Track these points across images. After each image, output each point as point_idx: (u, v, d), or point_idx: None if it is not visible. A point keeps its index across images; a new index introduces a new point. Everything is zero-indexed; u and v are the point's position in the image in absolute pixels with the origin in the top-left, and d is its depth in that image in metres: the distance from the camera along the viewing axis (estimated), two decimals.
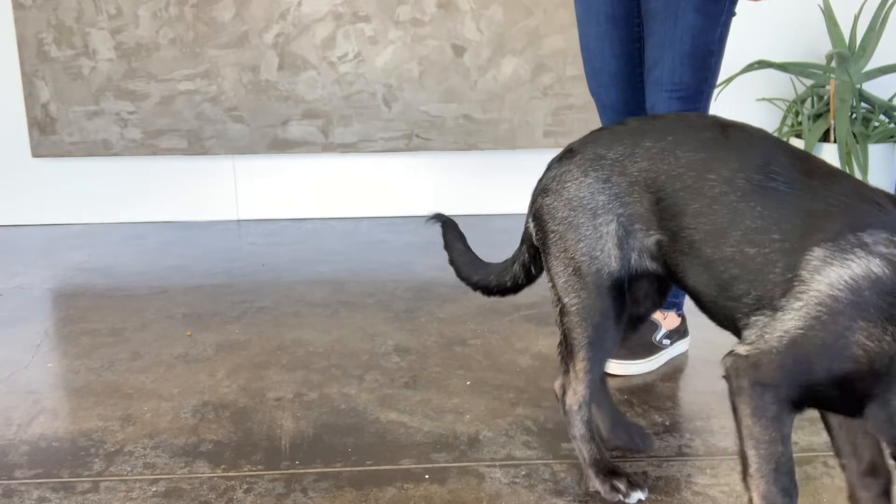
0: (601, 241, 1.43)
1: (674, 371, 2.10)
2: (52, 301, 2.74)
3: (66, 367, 2.16)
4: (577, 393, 1.53)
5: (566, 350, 1.53)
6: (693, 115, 1.62)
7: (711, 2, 1.94)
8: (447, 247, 1.77)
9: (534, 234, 1.56)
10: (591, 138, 1.52)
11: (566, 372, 1.54)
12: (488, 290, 1.72)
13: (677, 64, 1.96)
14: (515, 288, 1.69)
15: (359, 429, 1.80)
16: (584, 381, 1.51)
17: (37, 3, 3.41)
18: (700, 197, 1.30)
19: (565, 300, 1.49)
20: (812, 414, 1.82)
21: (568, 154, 1.52)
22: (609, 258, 1.43)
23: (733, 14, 2.02)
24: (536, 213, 1.54)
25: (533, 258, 1.63)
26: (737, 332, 1.31)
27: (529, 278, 1.67)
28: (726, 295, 1.28)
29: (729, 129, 1.36)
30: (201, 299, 2.66)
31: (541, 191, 1.53)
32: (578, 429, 1.55)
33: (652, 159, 1.38)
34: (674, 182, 1.34)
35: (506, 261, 1.70)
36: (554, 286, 1.52)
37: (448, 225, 1.78)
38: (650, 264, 1.45)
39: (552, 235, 1.49)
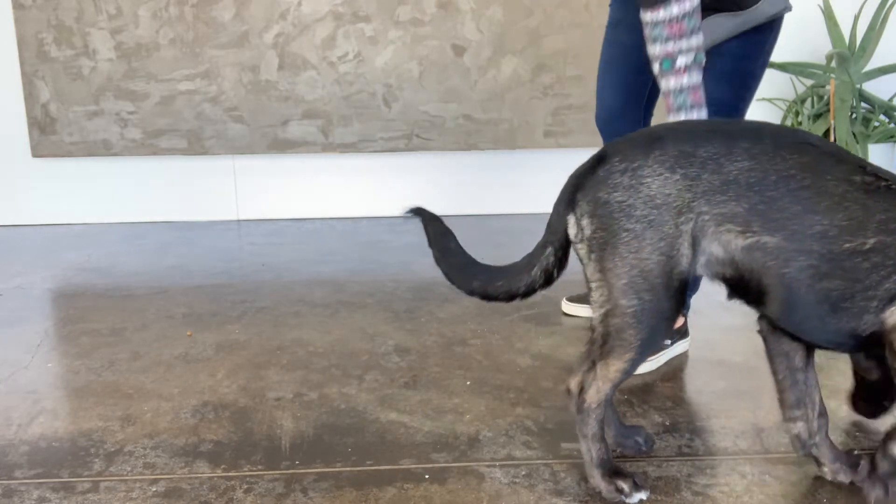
0: (680, 239, 1.40)
1: (674, 371, 2.10)
2: (52, 301, 2.74)
3: (66, 367, 2.16)
4: (600, 392, 1.48)
5: (601, 349, 1.46)
6: (759, 121, 1.60)
7: (753, 31, 1.97)
8: (433, 245, 1.61)
9: (587, 232, 1.44)
10: (665, 134, 1.44)
11: (589, 370, 1.49)
12: (491, 297, 1.57)
13: (716, 83, 1.95)
14: (528, 294, 1.55)
15: (359, 429, 1.80)
16: (615, 381, 1.47)
17: (37, 3, 3.41)
18: (827, 195, 1.37)
19: (622, 302, 1.41)
20: None
21: (635, 149, 1.42)
22: (682, 258, 1.40)
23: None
24: (599, 211, 1.42)
25: (559, 261, 1.51)
26: (843, 324, 1.38)
27: (548, 283, 1.53)
28: (861, 286, 1.35)
29: (807, 135, 1.46)
30: (201, 299, 2.66)
31: (601, 186, 1.42)
32: (591, 427, 1.50)
33: (756, 159, 1.39)
34: (788, 182, 1.38)
35: (518, 264, 1.55)
36: (607, 286, 1.42)
37: (431, 220, 1.62)
38: (715, 269, 1.42)
39: (625, 234, 1.39)
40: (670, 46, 1.80)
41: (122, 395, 1.97)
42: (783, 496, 1.52)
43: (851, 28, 3.39)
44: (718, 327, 2.36)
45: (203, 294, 2.71)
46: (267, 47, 3.49)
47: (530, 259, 1.53)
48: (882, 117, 3.41)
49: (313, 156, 3.64)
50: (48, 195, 3.64)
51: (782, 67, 3.42)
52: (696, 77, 1.82)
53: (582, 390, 1.50)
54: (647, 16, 1.79)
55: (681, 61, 1.81)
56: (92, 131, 3.53)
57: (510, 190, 3.74)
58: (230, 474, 1.61)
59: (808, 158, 1.39)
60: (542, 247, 1.51)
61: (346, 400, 1.94)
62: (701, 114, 1.84)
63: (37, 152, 3.55)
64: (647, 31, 1.82)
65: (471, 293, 1.58)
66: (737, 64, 1.99)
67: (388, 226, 3.57)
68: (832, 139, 3.27)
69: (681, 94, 1.83)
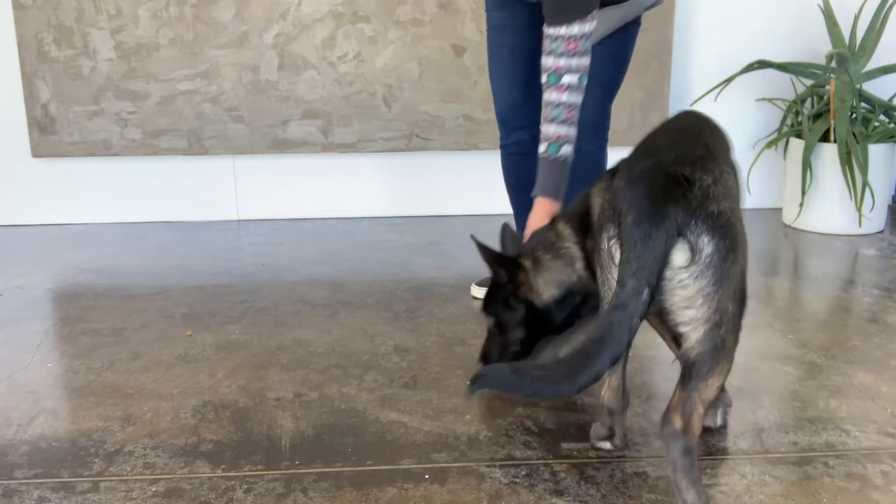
0: None
1: (674, 371, 2.10)
2: (52, 301, 2.74)
3: (66, 367, 2.16)
4: (701, 419, 1.36)
5: (701, 370, 1.36)
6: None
7: (631, 23, 2.28)
8: (524, 390, 1.46)
9: (709, 249, 1.32)
10: (705, 143, 1.47)
11: (687, 399, 1.35)
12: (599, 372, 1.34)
13: (607, 62, 2.28)
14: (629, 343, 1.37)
15: (359, 429, 1.80)
16: (712, 401, 1.37)
17: (37, 3, 3.41)
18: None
19: (731, 308, 1.36)
20: (813, 413, 1.82)
21: (702, 162, 1.41)
22: None
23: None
24: (718, 223, 1.34)
25: (653, 298, 1.33)
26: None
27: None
28: None
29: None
30: (201, 299, 2.66)
31: (708, 200, 1.35)
32: (697, 469, 1.36)
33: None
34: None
35: (614, 320, 1.32)
36: (716, 299, 1.33)
37: (497, 377, 1.46)
38: None
39: (740, 237, 1.38)
40: (562, 62, 1.99)
41: (122, 395, 1.97)
42: (783, 496, 1.52)
43: (851, 28, 3.38)
44: None
45: (203, 294, 2.71)
46: (267, 47, 3.49)
47: (630, 312, 1.31)
48: (882, 117, 3.40)
49: (313, 156, 3.64)
50: (48, 195, 3.64)
51: (782, 67, 3.42)
52: (575, 97, 2.05)
53: (687, 424, 1.35)
54: (551, 30, 2.00)
55: (566, 79, 2.01)
56: (92, 131, 3.53)
57: None
58: (230, 474, 1.61)
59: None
60: (636, 293, 1.31)
61: (346, 400, 1.94)
62: (570, 130, 2.03)
63: (37, 152, 3.55)
64: (546, 43, 2.01)
65: (586, 382, 1.33)
66: (620, 48, 2.31)
67: (388, 226, 3.57)
68: (832, 139, 3.27)
69: (557, 108, 2.04)
